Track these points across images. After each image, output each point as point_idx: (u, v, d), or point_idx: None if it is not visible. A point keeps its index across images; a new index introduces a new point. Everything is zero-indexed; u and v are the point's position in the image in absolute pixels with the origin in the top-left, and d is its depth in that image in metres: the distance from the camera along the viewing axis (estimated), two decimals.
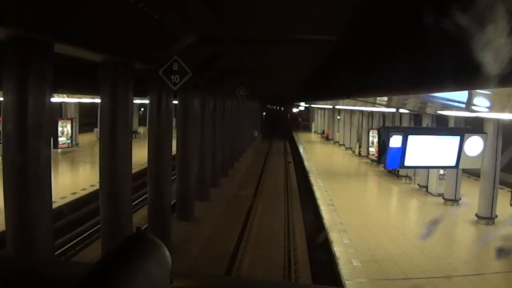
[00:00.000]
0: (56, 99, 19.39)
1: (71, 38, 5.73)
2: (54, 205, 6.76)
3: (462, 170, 12.92)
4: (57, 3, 4.92)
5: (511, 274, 8.31)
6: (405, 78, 5.41)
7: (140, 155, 12.86)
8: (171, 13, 6.66)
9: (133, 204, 10.34)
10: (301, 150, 31.06)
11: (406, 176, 18.13)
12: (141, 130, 31.98)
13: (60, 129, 21.46)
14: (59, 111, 24.60)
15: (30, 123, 5.38)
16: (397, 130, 8.38)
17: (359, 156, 26.56)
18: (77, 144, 24.03)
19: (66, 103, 24.96)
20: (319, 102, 30.50)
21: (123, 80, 8.06)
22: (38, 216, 5.60)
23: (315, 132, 49.26)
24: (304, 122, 57.41)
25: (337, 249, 9.67)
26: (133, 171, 9.38)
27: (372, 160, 22.98)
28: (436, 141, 8.05)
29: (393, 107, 14.15)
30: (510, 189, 11.62)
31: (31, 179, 5.52)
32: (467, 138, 7.98)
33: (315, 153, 30.84)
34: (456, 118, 12.29)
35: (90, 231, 11.55)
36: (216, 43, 9.64)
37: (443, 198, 13.92)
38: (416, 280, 7.97)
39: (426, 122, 15.38)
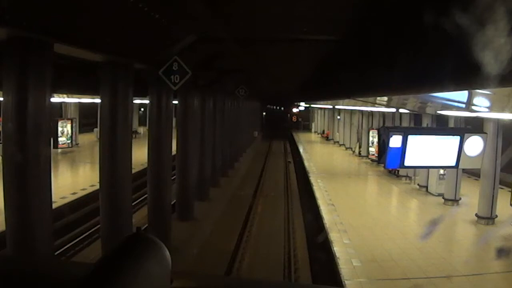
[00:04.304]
0: (56, 99, 19.39)
1: (71, 38, 5.73)
2: (54, 205, 6.77)
3: (462, 170, 12.91)
4: (57, 3, 4.92)
5: (511, 274, 8.30)
6: (405, 78, 5.41)
7: (139, 153, 12.86)
8: (171, 13, 6.67)
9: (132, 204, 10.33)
10: (301, 150, 31.04)
11: (406, 176, 18.12)
12: (141, 130, 31.98)
13: (60, 129, 21.46)
14: (59, 111, 24.60)
15: (30, 123, 5.38)
16: (397, 130, 8.37)
17: (359, 156, 26.55)
18: (77, 144, 24.04)
19: (66, 103, 24.96)
20: (319, 102, 30.49)
21: (123, 80, 8.06)
22: (38, 216, 5.60)
23: (315, 132, 49.26)
24: (304, 122, 57.48)
25: (337, 249, 9.66)
26: (133, 171, 9.37)
27: (372, 160, 22.96)
28: (436, 141, 8.04)
29: (393, 107, 14.15)
30: (510, 189, 11.61)
31: (31, 179, 5.52)
32: (467, 138, 7.97)
33: (315, 153, 30.84)
34: (456, 118, 12.28)
35: (90, 231, 11.55)
36: (216, 43, 9.65)
37: (443, 198, 13.91)
38: (416, 280, 7.96)
39: (426, 122, 15.37)
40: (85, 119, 29.30)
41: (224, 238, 12.62)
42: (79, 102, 24.86)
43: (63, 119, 22.49)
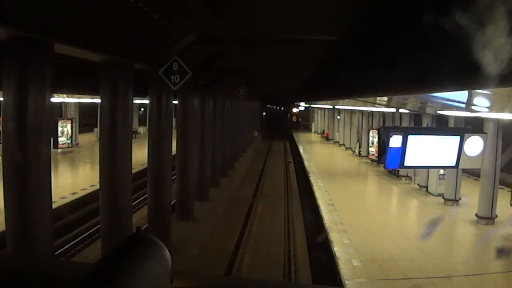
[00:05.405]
0: (56, 99, 19.39)
1: (71, 38, 5.73)
2: (54, 205, 6.77)
3: (462, 170, 12.91)
4: (57, 3, 4.92)
5: (511, 274, 8.30)
6: (405, 78, 5.41)
7: (139, 153, 12.86)
8: (171, 13, 6.66)
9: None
10: (301, 150, 31.05)
11: (406, 176, 18.12)
12: (141, 130, 31.98)
13: (60, 129, 21.46)
14: (59, 111, 24.60)
15: (30, 123, 5.38)
16: (397, 130, 8.37)
17: (359, 156, 26.55)
18: (77, 144, 24.05)
19: (66, 103, 24.96)
20: (319, 102, 30.50)
21: (123, 80, 8.06)
22: (38, 216, 5.60)
23: (315, 132, 49.27)
24: (304, 122, 57.51)
25: (337, 249, 9.66)
26: (133, 171, 9.37)
27: (372, 160, 22.96)
28: (436, 141, 8.04)
29: (393, 107, 14.15)
30: (510, 189, 11.61)
31: (31, 179, 5.52)
32: (467, 138, 7.97)
33: (315, 153, 30.84)
34: (456, 118, 12.28)
35: (90, 231, 11.54)
36: (216, 43, 9.64)
37: (443, 198, 13.91)
38: (416, 280, 7.96)
39: (426, 122, 15.37)
40: (85, 119, 29.30)
41: (224, 238, 12.62)
42: (79, 102, 24.86)
43: (63, 119, 22.50)
